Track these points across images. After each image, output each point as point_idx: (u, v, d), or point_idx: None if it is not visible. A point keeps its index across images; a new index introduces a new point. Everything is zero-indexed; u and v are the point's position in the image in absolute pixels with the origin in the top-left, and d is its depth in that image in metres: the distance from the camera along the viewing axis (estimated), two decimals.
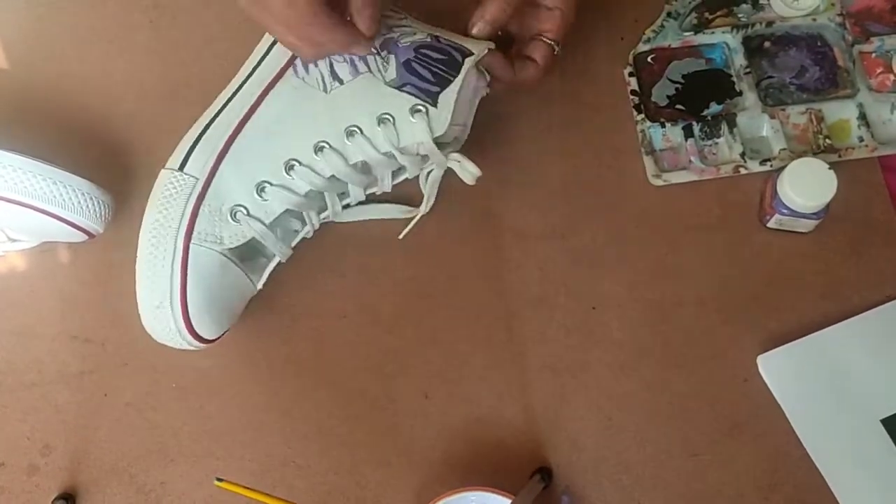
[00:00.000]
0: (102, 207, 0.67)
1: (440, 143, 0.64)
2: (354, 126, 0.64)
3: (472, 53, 0.64)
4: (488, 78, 0.66)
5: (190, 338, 0.63)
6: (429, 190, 0.69)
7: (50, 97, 0.75)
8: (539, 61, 0.66)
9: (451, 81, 0.63)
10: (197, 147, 0.64)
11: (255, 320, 0.69)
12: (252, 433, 0.67)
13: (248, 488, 0.57)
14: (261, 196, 0.64)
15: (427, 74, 0.63)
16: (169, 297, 0.62)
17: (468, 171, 0.66)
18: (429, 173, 0.68)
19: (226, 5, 0.77)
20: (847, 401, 0.65)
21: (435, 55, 0.64)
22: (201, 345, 0.64)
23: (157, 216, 0.63)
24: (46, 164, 0.65)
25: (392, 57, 0.64)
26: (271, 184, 0.64)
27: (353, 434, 0.67)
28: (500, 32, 0.67)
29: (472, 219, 0.71)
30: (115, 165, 0.73)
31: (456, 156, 0.66)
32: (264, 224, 0.64)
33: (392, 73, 0.63)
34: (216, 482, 0.56)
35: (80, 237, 0.68)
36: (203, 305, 0.63)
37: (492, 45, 0.65)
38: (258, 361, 0.69)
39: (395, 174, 0.68)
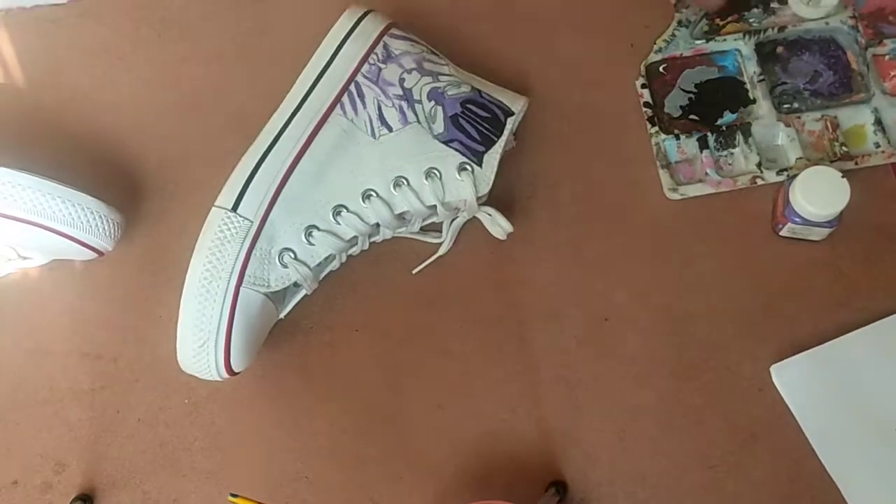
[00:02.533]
0: (112, 226, 0.67)
1: None
2: (402, 177, 0.64)
3: (513, 113, 0.66)
4: (514, 132, 0.68)
5: (225, 374, 0.64)
6: (451, 233, 0.69)
7: (59, 114, 0.75)
8: None
9: (494, 142, 0.65)
10: (249, 188, 0.63)
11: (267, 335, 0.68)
12: (264, 448, 0.67)
13: None
14: (308, 240, 0.64)
15: (473, 132, 0.64)
16: (214, 338, 0.62)
17: (500, 225, 0.67)
18: (453, 219, 0.69)
19: (233, 19, 0.77)
20: (862, 410, 0.65)
21: (480, 112, 0.65)
22: (229, 377, 0.64)
23: (209, 257, 0.62)
24: (56, 182, 0.65)
25: (440, 109, 0.64)
26: (319, 229, 0.64)
27: (366, 448, 0.67)
28: None
29: (482, 231, 0.71)
30: (124, 182, 0.73)
31: (488, 209, 0.67)
32: (309, 267, 0.64)
33: (440, 126, 0.64)
34: (230, 498, 0.56)
35: (90, 255, 0.68)
36: (244, 345, 0.63)
37: (527, 101, 0.68)
38: (270, 376, 0.69)
39: (425, 218, 0.69)
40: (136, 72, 0.76)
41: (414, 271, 0.70)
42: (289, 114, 0.65)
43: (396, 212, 0.65)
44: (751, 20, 0.75)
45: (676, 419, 0.66)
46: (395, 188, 0.64)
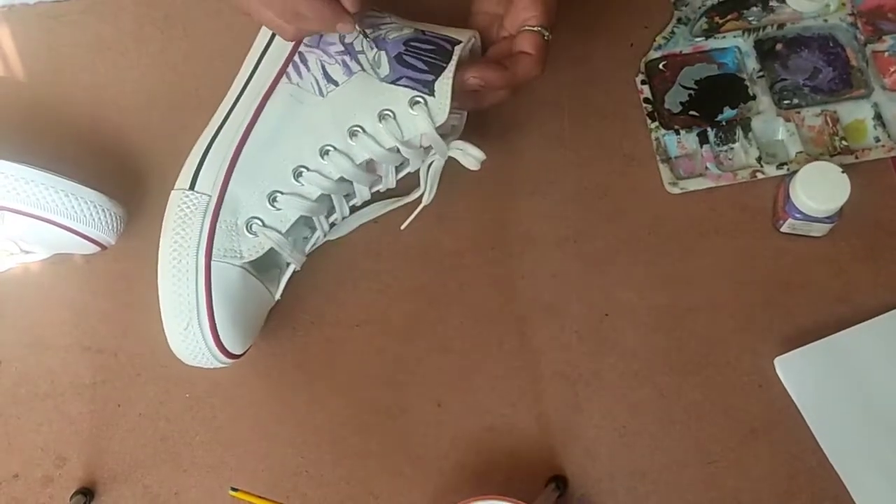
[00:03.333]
0: (114, 219, 0.68)
1: (440, 134, 0.65)
2: (357, 126, 0.64)
3: (460, 42, 0.65)
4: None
5: (220, 355, 0.63)
6: (430, 181, 0.68)
7: (62, 109, 0.75)
8: (532, 51, 0.64)
9: (444, 69, 0.63)
10: (204, 165, 0.64)
11: (267, 330, 0.69)
12: (265, 443, 0.67)
13: (263, 498, 0.56)
14: (273, 206, 0.64)
15: (420, 65, 0.63)
16: (196, 316, 0.62)
17: (472, 155, 0.66)
18: (430, 165, 0.68)
19: (235, 17, 0.77)
20: (868, 403, 0.65)
21: (425, 46, 0.64)
22: (230, 360, 0.64)
23: (174, 237, 0.62)
24: (59, 176, 0.66)
25: (382, 53, 0.64)
26: (282, 192, 0.64)
27: (366, 443, 0.67)
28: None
29: (483, 226, 0.71)
30: (127, 177, 0.73)
31: (458, 143, 0.66)
32: (280, 233, 0.64)
33: (385, 68, 0.64)
34: (231, 492, 0.56)
35: (93, 249, 0.69)
36: (230, 321, 0.63)
37: (476, 34, 0.66)
38: (271, 371, 0.69)
39: (398, 169, 0.68)
40: (138, 69, 0.76)
41: (402, 226, 0.69)
42: (235, 96, 0.66)
43: (358, 161, 0.64)
44: (750, 18, 0.75)
45: (676, 414, 0.66)
46: (351, 138, 0.64)
